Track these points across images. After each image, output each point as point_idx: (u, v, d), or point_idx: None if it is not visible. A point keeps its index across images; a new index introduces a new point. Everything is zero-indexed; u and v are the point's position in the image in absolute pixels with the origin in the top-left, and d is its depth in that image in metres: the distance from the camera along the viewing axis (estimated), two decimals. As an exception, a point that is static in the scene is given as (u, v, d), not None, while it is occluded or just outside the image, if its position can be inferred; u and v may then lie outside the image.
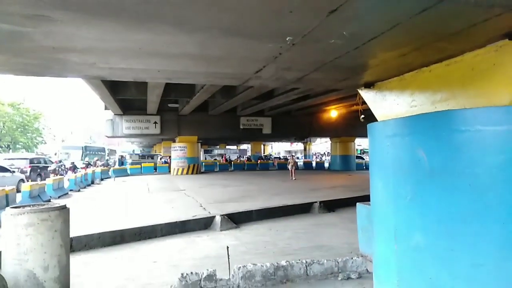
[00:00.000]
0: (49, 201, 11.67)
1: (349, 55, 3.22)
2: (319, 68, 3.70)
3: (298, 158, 47.33)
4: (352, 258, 4.93)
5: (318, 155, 53.24)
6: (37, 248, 3.72)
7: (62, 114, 71.65)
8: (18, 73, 3.85)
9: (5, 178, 14.30)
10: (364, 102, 5.14)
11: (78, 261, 5.52)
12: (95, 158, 35.33)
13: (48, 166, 21.63)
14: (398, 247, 3.35)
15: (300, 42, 2.83)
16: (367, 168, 32.78)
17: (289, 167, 21.25)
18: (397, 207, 3.37)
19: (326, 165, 34.55)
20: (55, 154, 37.65)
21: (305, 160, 40.49)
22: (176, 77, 4.18)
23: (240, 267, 4.51)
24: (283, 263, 4.69)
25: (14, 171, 16.15)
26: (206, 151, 43.89)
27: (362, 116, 5.36)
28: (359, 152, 40.84)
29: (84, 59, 3.25)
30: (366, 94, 4.75)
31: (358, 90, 4.94)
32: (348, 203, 10.92)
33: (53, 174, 19.62)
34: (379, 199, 3.76)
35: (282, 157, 49.18)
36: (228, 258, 4.63)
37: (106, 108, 21.26)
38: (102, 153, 46.22)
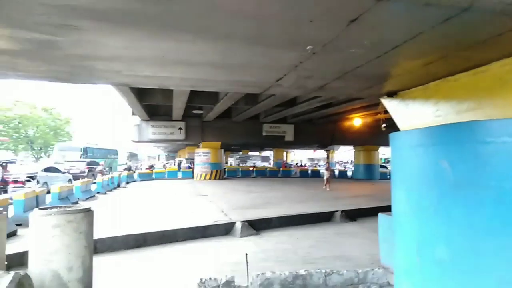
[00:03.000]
0: (76, 202, 12.05)
1: (371, 64, 3.19)
2: (340, 77, 3.68)
3: (320, 166, 46.85)
4: (372, 270, 4.82)
5: (342, 163, 52.57)
6: (63, 249, 3.84)
7: (90, 118, 73.83)
8: (50, 79, 4.02)
9: (58, 178, 16.80)
10: (386, 111, 5.08)
11: (101, 263, 5.65)
12: (100, 164, 28.44)
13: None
14: (420, 260, 3.27)
15: (320, 51, 2.83)
16: (390, 177, 31.98)
17: (325, 176, 18.93)
18: (420, 218, 3.29)
19: (349, 173, 34.04)
20: (48, 156, 35.32)
21: (313, 168, 40.11)
22: (199, 85, 4.25)
23: (258, 274, 4.50)
24: (302, 272, 4.64)
25: (65, 172, 18.97)
26: (241, 158, 44.34)
27: (384, 125, 5.29)
28: (383, 161, 40.03)
29: (110, 66, 3.37)
30: (389, 103, 4.68)
31: (381, 99, 4.88)
32: (370, 213, 10.69)
33: (100, 174, 22.20)
34: (401, 210, 3.68)
35: (303, 165, 48.83)
36: (247, 265, 4.63)
37: (133, 114, 21.81)
38: (113, 156, 40.89)
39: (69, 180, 16.94)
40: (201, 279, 4.31)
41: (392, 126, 5.56)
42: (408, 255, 3.47)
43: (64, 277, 3.83)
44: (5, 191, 12.02)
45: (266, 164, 43.47)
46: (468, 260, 2.87)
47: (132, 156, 50.77)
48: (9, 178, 13.53)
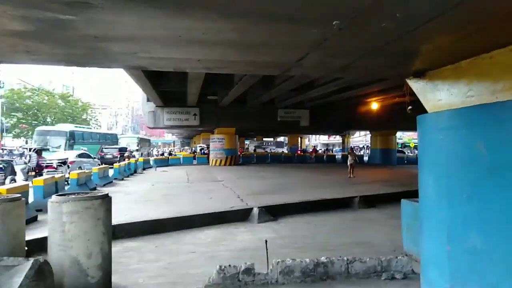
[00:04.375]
0: (94, 189, 12.18)
1: (401, 40, 2.97)
2: (366, 55, 3.47)
3: (335, 151, 46.37)
4: (396, 257, 4.67)
5: (357, 149, 51.96)
6: (81, 235, 3.81)
7: (108, 105, 74.52)
8: (63, 63, 3.93)
9: (89, 163, 18.91)
10: (412, 93, 4.83)
11: (120, 249, 5.66)
12: (127, 149, 31.22)
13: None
14: (451, 248, 3.10)
15: (347, 26, 2.63)
16: (408, 162, 31.64)
17: (349, 162, 17.30)
18: (451, 205, 3.11)
19: (365, 159, 33.62)
20: (26, 143, 32.36)
21: (343, 153, 39.66)
22: (215, 67, 4.10)
23: (278, 261, 4.41)
24: (323, 259, 4.53)
25: (95, 157, 21.65)
26: (258, 145, 44.15)
27: (410, 107, 5.03)
28: (399, 146, 39.36)
29: (126, 48, 3.24)
30: (415, 84, 4.43)
31: (406, 79, 4.64)
32: (389, 199, 10.52)
33: (127, 159, 23.46)
34: (430, 196, 3.50)
35: (318, 150, 48.36)
36: (267, 252, 4.54)
37: (148, 100, 21.86)
38: (110, 141, 36.63)
39: (98, 165, 18.07)
40: (220, 266, 4.24)
41: (416, 109, 5.33)
42: (437, 243, 3.31)
43: (83, 264, 3.80)
44: (40, 175, 12.87)
45: (284, 150, 43.19)
46: (504, 248, 2.69)
47: (144, 141, 49.19)
48: (43, 163, 14.68)
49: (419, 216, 3.84)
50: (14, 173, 13.33)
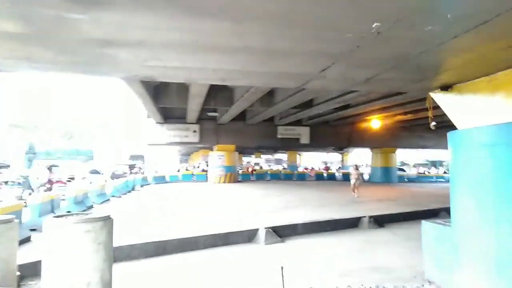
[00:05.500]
0: (91, 207, 11.74)
1: (441, 48, 2.70)
2: (394, 66, 3.19)
3: (336, 169, 45.99)
4: (423, 286, 4.30)
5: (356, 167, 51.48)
6: (80, 262, 3.42)
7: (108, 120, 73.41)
8: (67, 71, 3.63)
9: (99, 178, 20.65)
10: (436, 108, 4.56)
11: (121, 274, 5.23)
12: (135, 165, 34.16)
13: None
14: (500, 282, 2.74)
15: (388, 30, 2.35)
16: (408, 180, 31.35)
17: (352, 181, 16.14)
18: (499, 231, 2.77)
19: (366, 177, 33.25)
20: None
21: (343, 171, 39.30)
22: (231, 78, 3.82)
23: (296, 290, 4.02)
24: (344, 288, 4.14)
25: (103, 173, 23.41)
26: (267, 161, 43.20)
27: (434, 123, 4.75)
28: (399, 164, 39.09)
29: (135, 54, 2.94)
30: (442, 98, 4.16)
31: (431, 93, 4.37)
32: (398, 218, 10.17)
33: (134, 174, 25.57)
34: (469, 221, 3.16)
35: (309, 168, 47.78)
36: (283, 280, 4.15)
37: (148, 117, 21.58)
38: (85, 157, 33.27)
39: (106, 180, 19.35)
40: (232, 296, 3.85)
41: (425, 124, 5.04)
42: (481, 274, 2.95)
43: (82, 294, 3.40)
44: (50, 189, 14.25)
45: (284, 167, 42.79)
46: None
47: (136, 158, 45.70)
48: (53, 179, 16.28)
49: (453, 242, 3.48)
50: (31, 188, 14.16)
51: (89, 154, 36.44)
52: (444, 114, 4.49)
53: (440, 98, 4.17)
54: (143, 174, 27.38)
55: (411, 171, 39.91)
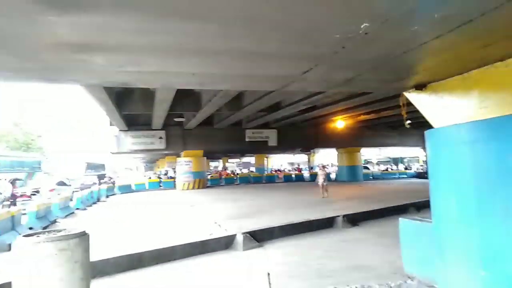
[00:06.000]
0: (55, 221, 11.13)
1: (422, 48, 2.75)
2: (378, 66, 3.23)
3: (302, 169, 46.58)
4: (406, 282, 4.38)
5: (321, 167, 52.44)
6: (55, 283, 3.19)
7: (64, 129, 69.73)
8: (33, 79, 3.38)
9: (66, 189, 19.32)
10: (409, 106, 4.68)
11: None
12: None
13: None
14: (487, 273, 2.82)
15: (375, 30, 2.36)
16: (373, 178, 32.33)
17: (319, 181, 16.02)
18: (484, 225, 2.85)
19: (333, 176, 33.92)
20: None
21: (311, 171, 39.90)
22: (210, 82, 3.70)
23: (283, 296, 3.96)
24: (331, 290, 4.14)
25: (70, 185, 21.96)
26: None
27: (408, 121, 4.87)
28: (363, 163, 40.27)
29: (113, 60, 2.78)
30: (417, 97, 4.26)
31: (405, 93, 4.47)
32: (370, 216, 10.38)
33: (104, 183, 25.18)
34: (452, 217, 3.23)
35: (276, 170, 48.18)
36: (270, 286, 4.07)
37: (111, 124, 20.82)
38: (29, 169, 30.78)
39: (74, 191, 18.87)
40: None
41: (398, 123, 5.18)
42: (466, 267, 3.03)
43: (58, 318, 3.17)
44: (14, 204, 13.88)
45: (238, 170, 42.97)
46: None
47: (95, 168, 42.33)
48: (17, 193, 15.58)
49: (434, 238, 3.55)
50: None
51: (36, 165, 33.79)
52: (409, 113, 4.65)
53: (414, 97, 4.28)
54: (113, 184, 26.67)
55: (375, 169, 41.22)
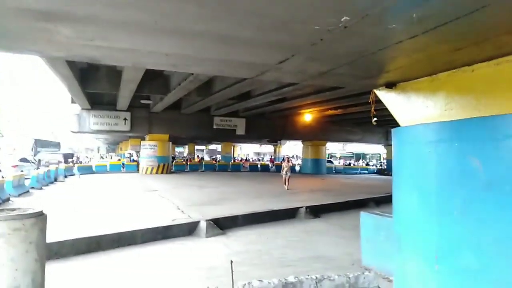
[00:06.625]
0: (8, 199, 10.57)
1: (397, 47, 2.80)
2: (352, 61, 3.26)
3: (273, 160, 46.94)
4: (363, 273, 4.51)
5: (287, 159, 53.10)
6: (7, 264, 3.02)
7: (22, 104, 65.70)
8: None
9: (28, 166, 20.17)
10: (377, 103, 4.79)
11: (50, 274, 4.75)
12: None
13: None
14: (441, 268, 2.97)
15: (354, 25, 2.36)
16: (336, 172, 33.20)
17: (283, 173, 15.95)
18: (441, 222, 2.98)
19: (297, 168, 34.47)
20: None
21: (276, 162, 40.31)
22: (184, 64, 3.59)
23: (245, 284, 3.97)
24: (292, 279, 4.19)
25: (34, 162, 22.58)
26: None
27: (375, 119, 4.99)
28: (327, 157, 41.23)
29: (81, 32, 2.62)
30: (386, 95, 4.37)
31: (375, 90, 4.57)
32: (332, 209, 10.66)
33: (71, 163, 25.72)
34: (413, 213, 3.36)
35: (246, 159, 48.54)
36: (232, 274, 4.08)
37: (72, 102, 19.92)
38: None
39: (36, 168, 19.71)
40: (180, 293, 3.70)
41: (366, 120, 5.31)
42: (422, 261, 3.17)
43: (9, 300, 3.01)
44: None
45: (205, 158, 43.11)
46: (502, 268, 2.60)
47: (47, 146, 39.91)
48: None
49: (395, 233, 3.69)
50: None
51: None
52: (375, 110, 4.78)
53: (384, 95, 4.38)
54: (81, 163, 26.69)
55: (338, 163, 42.30)
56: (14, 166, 18.76)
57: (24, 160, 21.41)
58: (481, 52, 2.96)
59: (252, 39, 2.73)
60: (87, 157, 38.00)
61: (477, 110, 3.20)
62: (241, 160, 38.30)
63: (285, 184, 15.70)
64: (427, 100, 3.76)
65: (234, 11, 2.21)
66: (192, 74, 12.26)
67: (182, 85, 14.65)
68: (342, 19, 2.29)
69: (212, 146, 59.32)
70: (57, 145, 43.45)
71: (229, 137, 31.85)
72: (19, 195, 11.72)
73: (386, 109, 4.46)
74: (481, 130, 2.80)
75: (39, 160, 25.52)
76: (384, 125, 25.05)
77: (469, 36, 2.57)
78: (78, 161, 29.02)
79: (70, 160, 28.85)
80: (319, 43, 2.73)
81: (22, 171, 16.43)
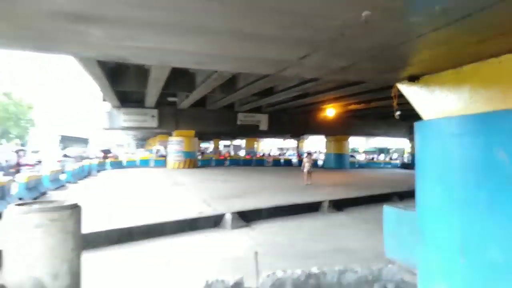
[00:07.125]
0: (45, 193, 11.12)
1: (419, 40, 2.79)
2: (373, 55, 3.26)
3: (291, 155, 46.80)
4: (387, 266, 4.53)
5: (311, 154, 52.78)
6: (46, 252, 3.24)
7: (58, 103, 68.06)
8: (27, 48, 3.33)
9: (69, 161, 21.79)
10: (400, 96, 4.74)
11: (86, 263, 5.02)
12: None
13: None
14: (466, 261, 2.95)
15: (375, 19, 2.38)
16: (359, 166, 32.77)
17: (304, 169, 15.34)
18: (466, 215, 2.96)
19: (320, 163, 34.26)
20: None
21: (300, 157, 40.17)
22: (208, 62, 3.70)
23: (269, 274, 4.10)
24: (315, 270, 4.28)
25: (73, 158, 25.33)
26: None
27: (398, 113, 4.94)
28: (350, 151, 40.71)
29: (111, 33, 2.76)
30: (408, 89, 4.32)
31: (398, 84, 4.53)
32: (355, 203, 10.61)
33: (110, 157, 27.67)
34: (436, 206, 3.34)
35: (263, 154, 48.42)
36: (256, 265, 4.19)
37: (104, 100, 20.62)
38: None
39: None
40: (207, 281, 3.84)
41: (390, 114, 5.26)
42: (447, 255, 3.16)
43: (49, 285, 3.22)
44: (19, 172, 15.52)
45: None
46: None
47: (75, 142, 41.25)
48: (21, 162, 18.00)
49: (418, 226, 3.68)
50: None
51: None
52: (399, 104, 4.72)
53: (406, 89, 4.33)
54: (116, 158, 28.48)
55: (361, 158, 41.70)
56: (59, 161, 21.00)
57: (65, 156, 24.17)
58: (508, 43, 2.91)
59: (273, 36, 2.79)
60: (126, 153, 39.38)
61: (503, 102, 3.15)
62: (263, 155, 38.39)
63: (307, 179, 15.12)
64: (450, 93, 3.70)
65: (256, 9, 2.29)
66: (216, 71, 12.42)
67: (206, 83, 14.89)
68: (363, 14, 2.32)
69: (236, 142, 59.69)
70: (85, 141, 45.03)
71: (252, 132, 32.04)
72: (56, 188, 12.28)
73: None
74: (508, 122, 2.76)
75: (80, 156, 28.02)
76: (408, 119, 24.48)
77: (494, 27, 2.54)
78: (114, 156, 30.77)
79: (109, 155, 31.01)
80: (340, 38, 2.76)
81: (63, 166, 17.88)
